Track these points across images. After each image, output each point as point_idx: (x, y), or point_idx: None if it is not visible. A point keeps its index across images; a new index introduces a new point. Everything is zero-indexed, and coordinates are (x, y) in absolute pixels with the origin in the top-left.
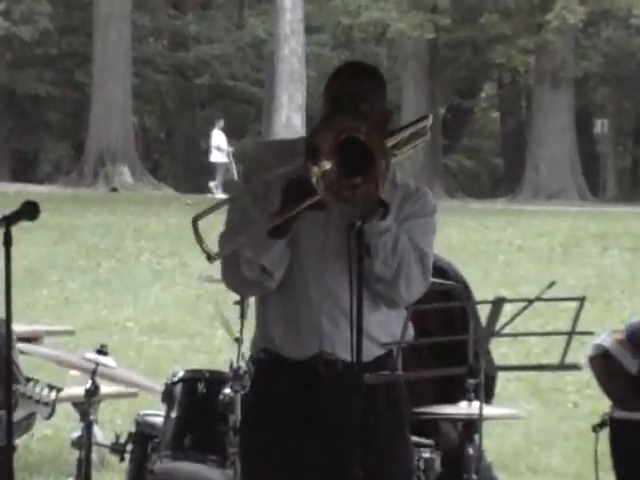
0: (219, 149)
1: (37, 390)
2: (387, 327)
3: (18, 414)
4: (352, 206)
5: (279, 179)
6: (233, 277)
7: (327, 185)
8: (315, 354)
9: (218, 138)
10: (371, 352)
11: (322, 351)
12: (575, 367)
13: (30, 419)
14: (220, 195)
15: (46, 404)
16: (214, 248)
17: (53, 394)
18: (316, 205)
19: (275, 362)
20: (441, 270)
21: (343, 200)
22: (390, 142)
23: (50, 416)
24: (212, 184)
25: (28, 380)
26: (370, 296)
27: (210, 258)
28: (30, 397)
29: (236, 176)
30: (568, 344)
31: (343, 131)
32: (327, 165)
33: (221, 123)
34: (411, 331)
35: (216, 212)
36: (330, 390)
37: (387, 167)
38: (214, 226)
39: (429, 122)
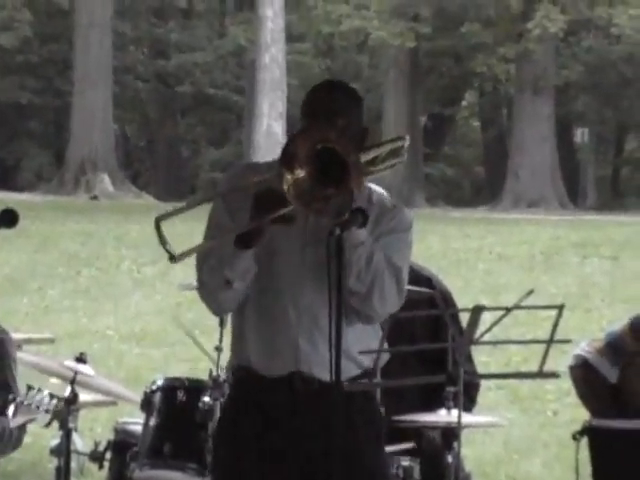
0: None
1: (37, 398)
2: (364, 344)
3: (16, 421)
4: (325, 217)
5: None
6: (208, 290)
7: (298, 193)
8: (291, 372)
9: None
10: (349, 371)
11: (298, 370)
12: (554, 375)
13: (21, 431)
14: None
15: (46, 411)
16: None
17: (54, 402)
18: (285, 219)
19: (250, 379)
20: (427, 280)
21: (315, 211)
22: (365, 157)
23: (49, 424)
24: None
25: (30, 388)
26: (345, 313)
27: (172, 258)
28: (30, 404)
29: None
30: (547, 352)
31: (319, 141)
32: (301, 173)
33: None
34: (385, 345)
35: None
36: (306, 407)
37: (361, 180)
38: (183, 235)
39: (406, 143)
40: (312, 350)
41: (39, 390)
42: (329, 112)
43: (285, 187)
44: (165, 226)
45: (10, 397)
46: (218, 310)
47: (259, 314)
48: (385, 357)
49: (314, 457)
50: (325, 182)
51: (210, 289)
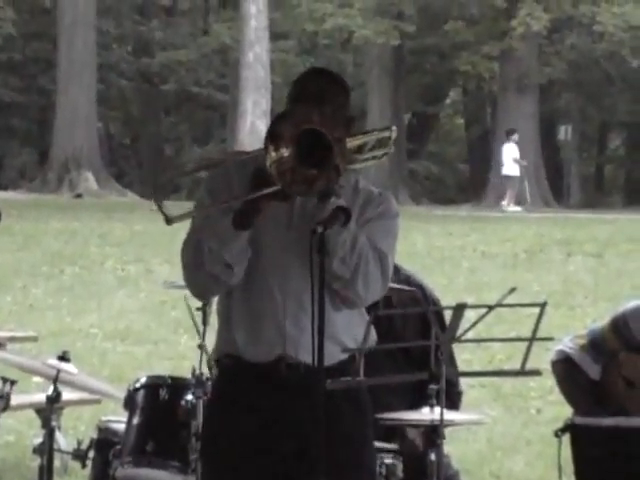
0: (515, 161)
1: None
2: (350, 329)
3: None
4: (308, 197)
5: (239, 175)
6: (197, 274)
7: (281, 172)
8: (277, 357)
9: (511, 151)
10: (335, 355)
11: (285, 354)
12: (536, 372)
13: None
14: (512, 208)
15: (0, 397)
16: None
17: (7, 387)
18: (279, 195)
19: (237, 366)
20: (406, 278)
21: (298, 192)
22: (352, 144)
23: (5, 409)
24: (504, 202)
25: None
26: (331, 297)
27: (168, 220)
28: None
29: (528, 191)
30: (529, 350)
31: (304, 122)
32: (285, 153)
33: (515, 137)
34: (374, 336)
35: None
36: (293, 393)
37: (344, 163)
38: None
39: (393, 134)
40: (299, 334)
41: None
42: (316, 98)
43: (268, 164)
44: (155, 223)
45: None
46: (209, 294)
47: (245, 299)
48: (371, 341)
49: (300, 444)
50: (308, 163)
51: (210, 274)
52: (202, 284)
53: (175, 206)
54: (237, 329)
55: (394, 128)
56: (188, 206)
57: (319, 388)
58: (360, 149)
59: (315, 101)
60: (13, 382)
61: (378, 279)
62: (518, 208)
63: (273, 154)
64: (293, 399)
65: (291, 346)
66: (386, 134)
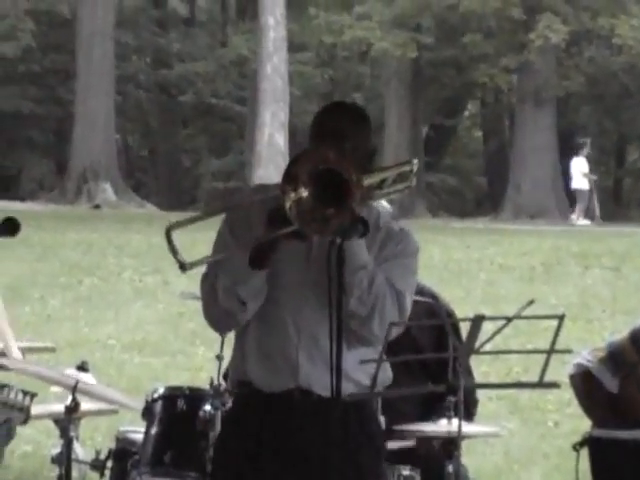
0: (584, 175)
1: (11, 396)
2: (365, 366)
3: None
4: (323, 236)
5: (259, 214)
6: (212, 309)
7: (299, 212)
8: (290, 389)
9: (581, 165)
10: (348, 392)
11: (299, 385)
12: (554, 385)
13: (10, 424)
14: (582, 222)
15: (20, 409)
16: (189, 259)
17: (27, 400)
18: (297, 235)
19: (250, 395)
20: (419, 290)
21: (314, 230)
22: (371, 180)
23: (25, 422)
24: (573, 216)
25: (1, 387)
26: (346, 335)
27: (183, 267)
28: (5, 403)
29: (597, 205)
30: (547, 362)
31: (322, 162)
32: (303, 193)
33: (585, 151)
34: (389, 372)
35: (194, 228)
36: (306, 421)
37: (361, 202)
38: (195, 243)
39: (414, 167)
40: (312, 368)
41: (11, 388)
42: (335, 136)
43: (287, 206)
44: (173, 235)
45: None
46: (225, 329)
47: (260, 331)
48: (386, 380)
49: (313, 472)
50: (326, 202)
51: (224, 310)
52: (217, 319)
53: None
54: (250, 361)
55: (415, 161)
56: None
57: (333, 413)
58: (381, 184)
59: (334, 139)
60: (33, 395)
61: (395, 318)
62: (587, 222)
63: (292, 194)
64: (306, 426)
65: (304, 380)
66: (407, 168)
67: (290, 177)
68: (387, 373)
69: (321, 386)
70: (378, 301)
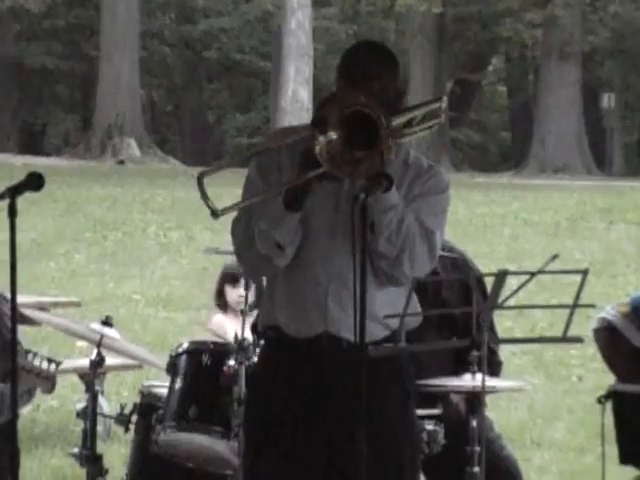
0: None
1: (37, 363)
2: (394, 307)
3: (19, 388)
4: (354, 179)
5: (288, 157)
6: (247, 254)
7: (330, 155)
8: (319, 334)
9: None
10: (377, 333)
11: (327, 331)
12: (578, 339)
13: (31, 391)
14: None
15: (46, 378)
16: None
17: (53, 367)
18: (330, 177)
19: (280, 340)
20: (449, 248)
21: (345, 173)
22: (400, 120)
23: (50, 391)
24: None
25: (27, 352)
26: (376, 275)
27: (215, 214)
28: (30, 371)
29: None
30: (570, 317)
31: (351, 104)
32: (333, 136)
33: None
34: (417, 307)
35: (225, 181)
36: (335, 364)
37: (392, 144)
38: (221, 196)
39: (443, 104)
40: (341, 312)
41: (35, 354)
42: (365, 75)
43: (317, 149)
44: (197, 190)
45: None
46: (262, 274)
47: (290, 276)
48: (414, 321)
49: (341, 419)
50: (355, 145)
51: (262, 255)
52: (253, 264)
53: (217, 176)
54: (280, 306)
55: (444, 98)
56: (229, 176)
57: (361, 359)
58: (409, 122)
59: (362, 78)
60: (59, 363)
61: (425, 257)
62: None
63: (321, 138)
64: (334, 371)
65: (333, 325)
66: (436, 105)
67: (319, 120)
68: (416, 309)
69: (350, 331)
70: (408, 241)
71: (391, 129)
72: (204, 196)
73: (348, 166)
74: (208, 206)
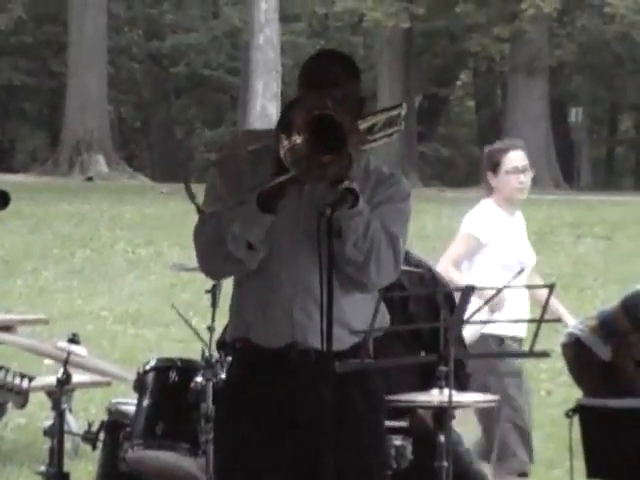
0: None
1: (9, 379)
2: (361, 313)
3: None
4: (322, 184)
5: (248, 160)
6: (214, 256)
7: (295, 159)
8: (288, 344)
9: None
10: (345, 340)
11: (295, 341)
12: (545, 354)
13: (3, 406)
14: None
15: (18, 393)
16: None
17: (25, 383)
18: (297, 181)
19: (250, 351)
20: (416, 263)
21: (312, 177)
22: (363, 125)
23: (23, 405)
24: None
25: None
26: (341, 282)
27: (199, 211)
28: (2, 386)
29: None
30: (537, 332)
31: (316, 108)
32: (298, 140)
33: None
34: (386, 317)
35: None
36: (304, 379)
37: (358, 147)
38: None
39: (403, 110)
40: (307, 320)
41: (8, 370)
42: (326, 83)
43: (282, 153)
44: (165, 206)
45: None
46: (225, 274)
47: (256, 284)
48: (383, 321)
49: (311, 429)
50: (322, 149)
51: (233, 258)
52: (220, 267)
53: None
54: (248, 316)
55: (404, 105)
56: (200, 190)
57: (329, 373)
58: (371, 129)
59: (325, 86)
60: (31, 378)
61: (390, 262)
62: None
63: (285, 142)
64: (304, 384)
65: (300, 333)
66: (396, 112)
67: (284, 124)
68: (384, 318)
69: (317, 338)
70: (374, 246)
71: (358, 133)
72: (190, 195)
73: (315, 170)
74: (194, 204)
